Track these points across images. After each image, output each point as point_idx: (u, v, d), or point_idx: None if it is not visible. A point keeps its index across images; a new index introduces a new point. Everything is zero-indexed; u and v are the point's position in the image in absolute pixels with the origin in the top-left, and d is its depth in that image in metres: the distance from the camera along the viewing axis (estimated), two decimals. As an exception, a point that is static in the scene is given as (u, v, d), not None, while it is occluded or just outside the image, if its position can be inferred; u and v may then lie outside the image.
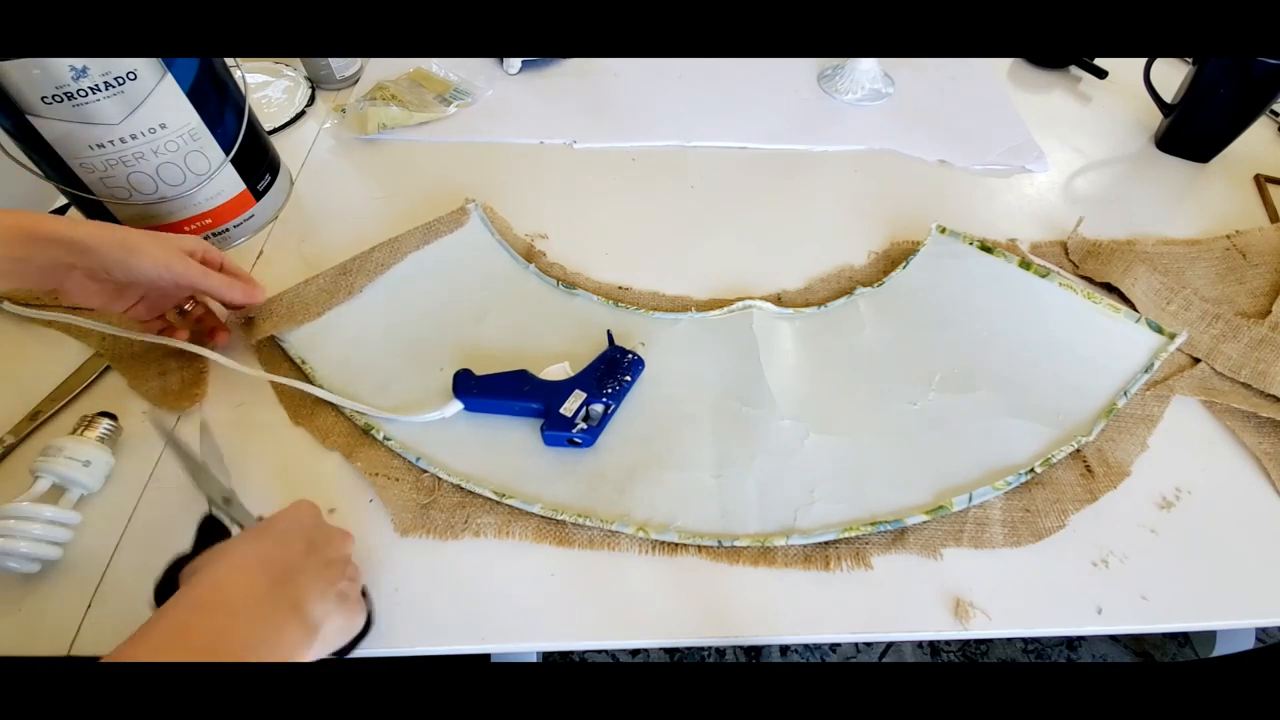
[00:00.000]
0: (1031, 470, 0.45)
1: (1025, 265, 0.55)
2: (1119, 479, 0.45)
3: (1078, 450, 0.47)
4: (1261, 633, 0.92)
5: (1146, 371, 0.50)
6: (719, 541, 0.42)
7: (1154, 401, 0.50)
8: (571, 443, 0.45)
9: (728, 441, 0.46)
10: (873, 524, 0.43)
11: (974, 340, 0.53)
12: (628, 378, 0.47)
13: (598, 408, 0.46)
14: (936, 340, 0.53)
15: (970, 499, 0.44)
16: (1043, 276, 0.54)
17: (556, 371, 0.47)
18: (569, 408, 0.45)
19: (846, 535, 0.42)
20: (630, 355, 0.49)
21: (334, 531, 0.37)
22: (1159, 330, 0.51)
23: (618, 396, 0.46)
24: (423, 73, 0.76)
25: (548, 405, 0.45)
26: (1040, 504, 0.44)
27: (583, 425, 0.45)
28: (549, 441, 0.45)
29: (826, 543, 0.42)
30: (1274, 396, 0.49)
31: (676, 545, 0.42)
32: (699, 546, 0.42)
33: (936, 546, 0.43)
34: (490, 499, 0.43)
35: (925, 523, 0.43)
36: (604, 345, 0.50)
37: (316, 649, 0.32)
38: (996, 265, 0.56)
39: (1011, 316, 0.53)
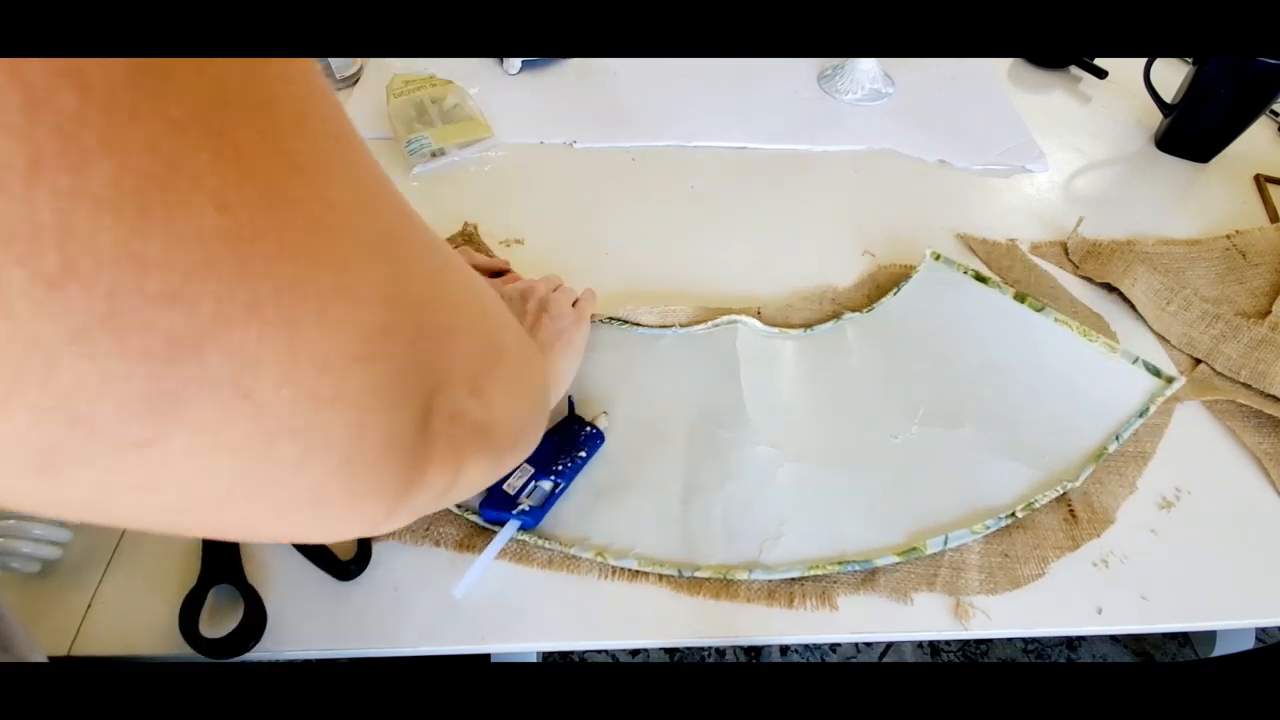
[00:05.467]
0: (1012, 514, 0.43)
1: (1020, 298, 0.52)
2: (1103, 527, 0.43)
3: (1062, 494, 0.44)
4: (1261, 633, 0.92)
5: (1141, 416, 0.47)
6: (679, 571, 0.40)
7: (1147, 436, 0.48)
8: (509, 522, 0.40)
9: (699, 465, 0.44)
10: (840, 563, 0.41)
11: (963, 374, 0.50)
12: (582, 453, 0.43)
13: (545, 485, 0.41)
14: (924, 371, 0.50)
15: (946, 541, 0.42)
16: (1038, 310, 0.52)
17: None
18: (513, 484, 0.41)
19: (812, 573, 0.40)
20: (589, 428, 0.44)
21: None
22: (1156, 373, 0.49)
23: (569, 475, 0.42)
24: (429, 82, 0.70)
25: None
26: (1020, 549, 0.42)
27: (526, 505, 0.40)
28: (488, 519, 0.40)
29: (792, 579, 0.40)
30: (1274, 396, 0.49)
31: (636, 572, 0.41)
32: (659, 575, 0.40)
33: (908, 590, 0.40)
34: (452, 513, 0.42)
35: (897, 564, 0.41)
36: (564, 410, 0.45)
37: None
38: (990, 297, 0.53)
39: (1003, 351, 0.51)
